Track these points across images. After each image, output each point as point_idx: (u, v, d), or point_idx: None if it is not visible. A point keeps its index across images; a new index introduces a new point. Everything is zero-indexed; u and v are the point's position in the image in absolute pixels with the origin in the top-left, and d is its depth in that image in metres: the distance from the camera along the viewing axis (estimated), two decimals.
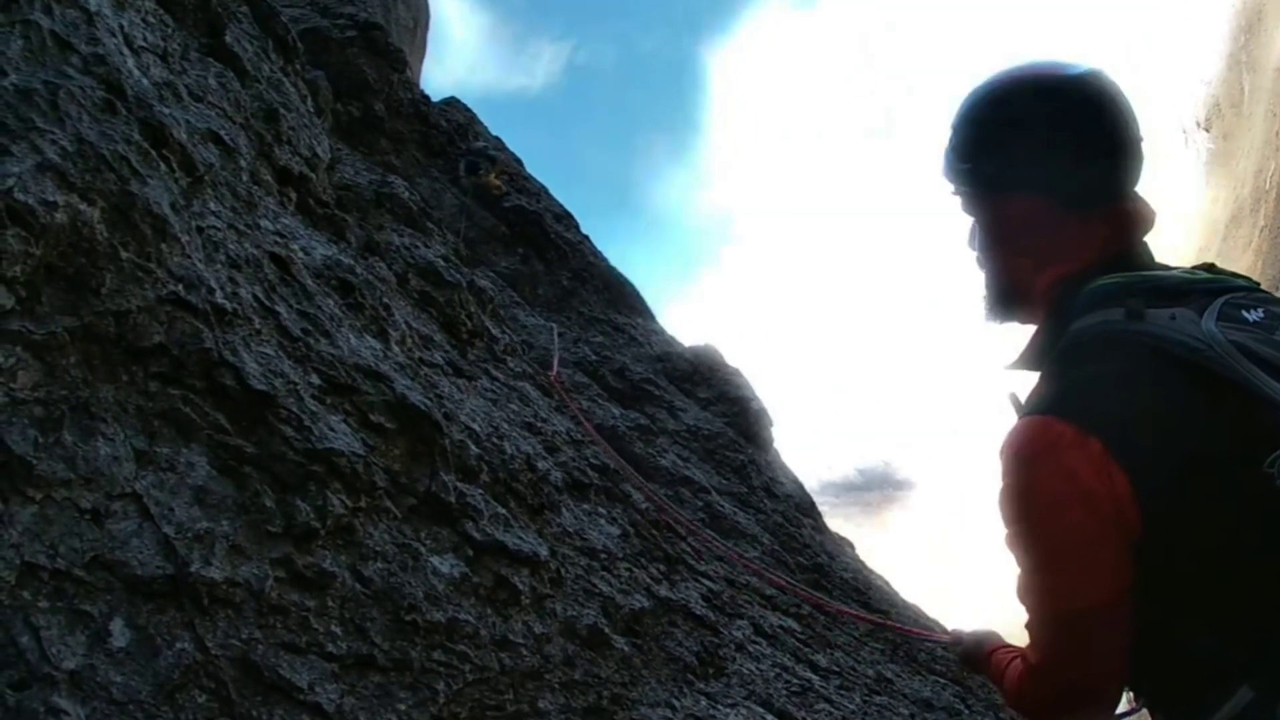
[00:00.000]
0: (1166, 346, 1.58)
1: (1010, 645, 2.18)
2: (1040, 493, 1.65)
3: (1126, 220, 1.88)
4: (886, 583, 9.73)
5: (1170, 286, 1.72)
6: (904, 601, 9.34)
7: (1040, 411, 1.68)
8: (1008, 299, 2.04)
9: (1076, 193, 1.87)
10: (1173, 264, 1.91)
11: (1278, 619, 1.49)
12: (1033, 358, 1.92)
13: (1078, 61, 1.92)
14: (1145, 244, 1.91)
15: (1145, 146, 1.89)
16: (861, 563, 9.81)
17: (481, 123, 14.20)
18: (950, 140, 2.03)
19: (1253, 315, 1.60)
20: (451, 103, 14.06)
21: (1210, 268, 1.84)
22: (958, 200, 2.06)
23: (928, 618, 9.30)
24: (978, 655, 2.28)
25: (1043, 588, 1.72)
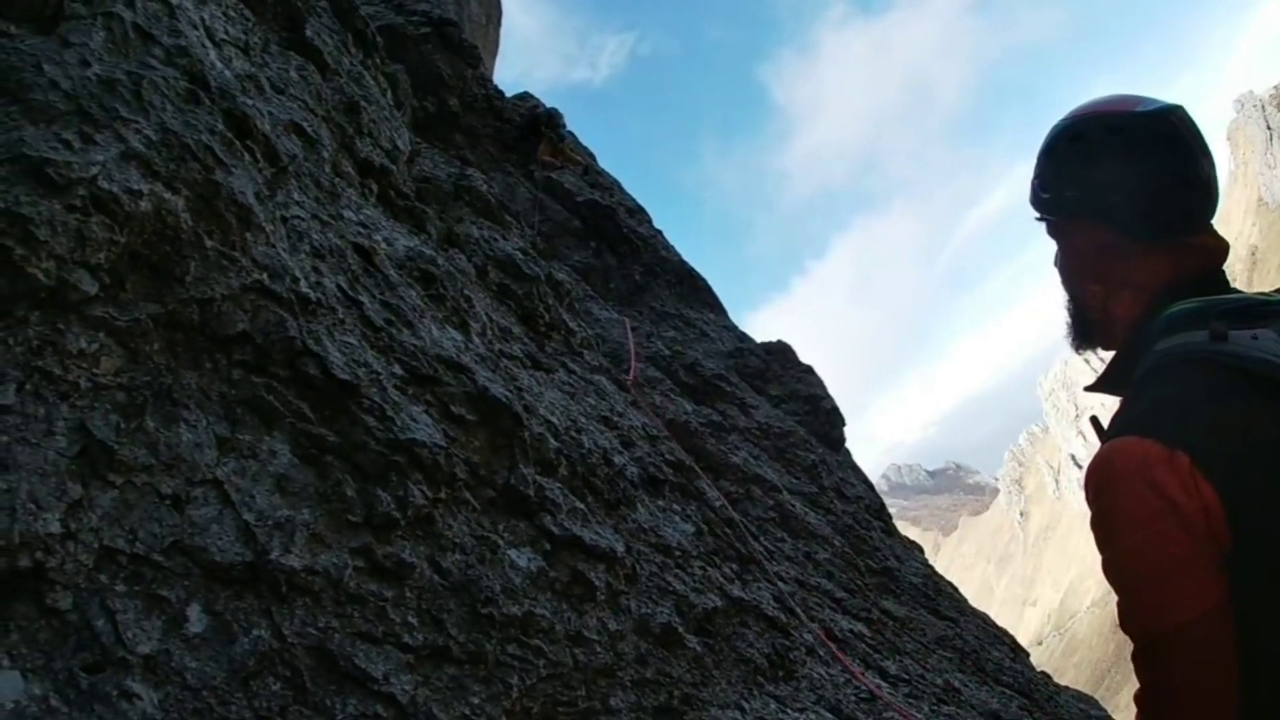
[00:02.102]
0: (1251, 365, 1.59)
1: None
2: (1130, 509, 1.64)
3: (1195, 253, 1.92)
4: (955, 589, 9.57)
5: (1249, 308, 1.74)
6: (972, 610, 9.17)
7: (1126, 433, 1.68)
8: (1086, 324, 2.11)
9: (1143, 225, 1.93)
10: (1244, 290, 1.90)
11: None
12: (1114, 381, 1.97)
13: (1154, 98, 1.96)
14: (1220, 272, 1.94)
15: (1217, 184, 1.93)
16: (931, 568, 9.66)
17: (559, 114, 14.17)
18: (1035, 169, 2.11)
19: None
20: (525, 97, 14.11)
21: None
22: (1043, 226, 2.14)
23: (996, 627, 9.12)
24: None
25: (1140, 606, 1.69)
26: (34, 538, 1.74)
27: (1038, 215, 2.14)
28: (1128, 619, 1.72)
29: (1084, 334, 2.13)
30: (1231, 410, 1.59)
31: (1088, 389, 2.05)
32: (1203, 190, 1.92)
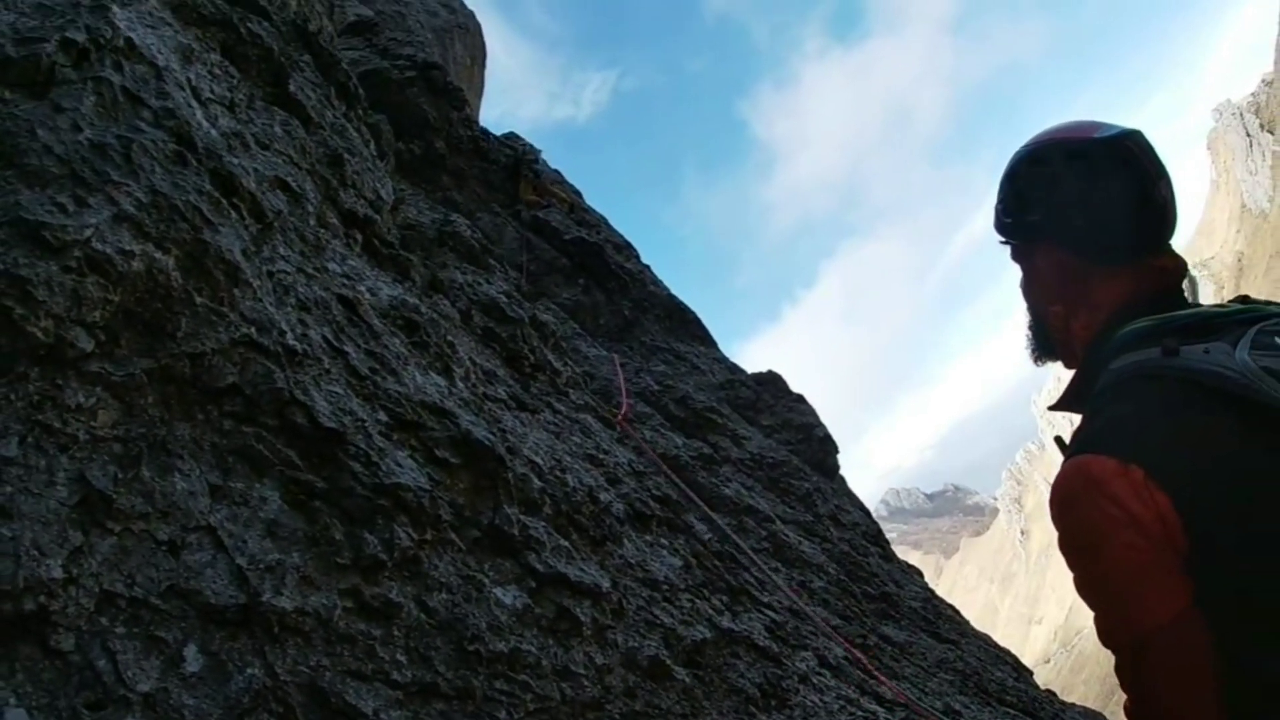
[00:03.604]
0: (1202, 378, 1.65)
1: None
2: (1092, 524, 1.72)
3: (1152, 274, 1.99)
4: (956, 611, 9.63)
5: (1202, 323, 1.80)
6: (974, 631, 9.22)
7: (1082, 451, 1.76)
8: (1047, 342, 2.20)
9: (1101, 248, 2.01)
10: (1205, 304, 1.97)
11: None
12: (1074, 399, 2.05)
13: (1112, 124, 2.03)
14: (1177, 291, 2.01)
15: (1174, 206, 2.00)
16: (931, 591, 9.71)
17: (534, 150, 14.31)
18: (998, 194, 2.19)
19: None
20: (511, 137, 14.28)
21: (1244, 299, 1.92)
22: (1008, 250, 2.21)
23: (998, 647, 9.17)
24: None
25: (1113, 617, 1.76)
26: (38, 583, 1.85)
27: (1002, 239, 2.21)
28: (1105, 632, 1.79)
29: (1045, 351, 2.23)
30: (1183, 423, 1.66)
31: (1051, 408, 2.17)
32: (1159, 213, 1.99)
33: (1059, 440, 1.97)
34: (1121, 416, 1.76)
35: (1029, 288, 2.22)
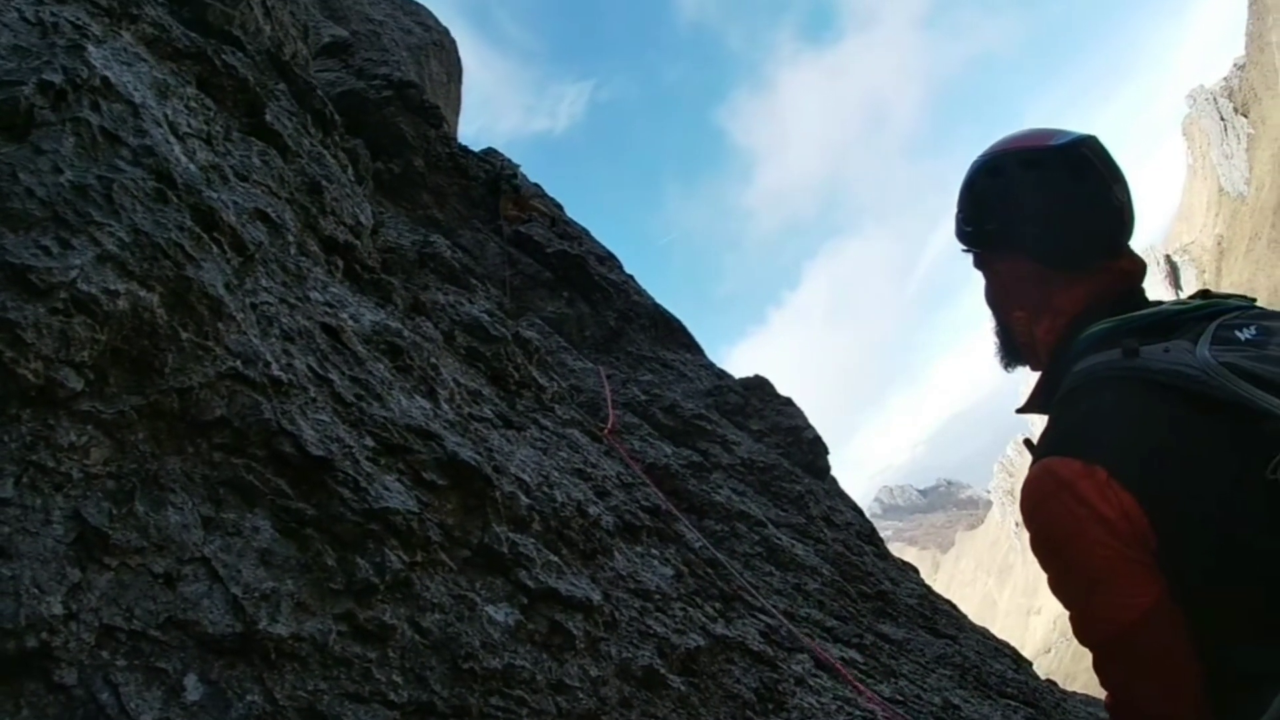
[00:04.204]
0: (1161, 377, 1.70)
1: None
2: (1060, 525, 1.78)
3: (1112, 277, 2.04)
4: (953, 606, 9.69)
5: (1162, 322, 1.85)
6: (972, 625, 9.29)
7: (1048, 454, 1.81)
8: (1012, 348, 2.25)
9: (1060, 254, 2.05)
10: (1170, 297, 2.05)
11: None
12: (1040, 402, 2.09)
13: (1067, 131, 2.07)
14: (1138, 292, 2.05)
15: (1131, 208, 2.04)
16: (927, 587, 9.77)
17: (513, 165, 14.35)
18: (958, 204, 2.24)
19: (1245, 334, 1.71)
20: (490, 153, 14.34)
21: (1205, 294, 1.96)
22: (969, 258, 2.26)
23: (997, 640, 9.24)
24: None
25: (1087, 615, 1.82)
26: (39, 620, 1.89)
27: (964, 248, 2.26)
28: (1080, 630, 1.84)
29: (1012, 356, 2.28)
30: (1143, 423, 1.71)
31: (1018, 411, 2.19)
32: (1116, 216, 2.03)
33: (1027, 442, 2.00)
34: (1084, 418, 1.82)
35: (992, 295, 2.26)
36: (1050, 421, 1.94)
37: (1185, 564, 1.66)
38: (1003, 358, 2.31)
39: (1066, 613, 1.88)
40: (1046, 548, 1.83)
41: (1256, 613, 1.59)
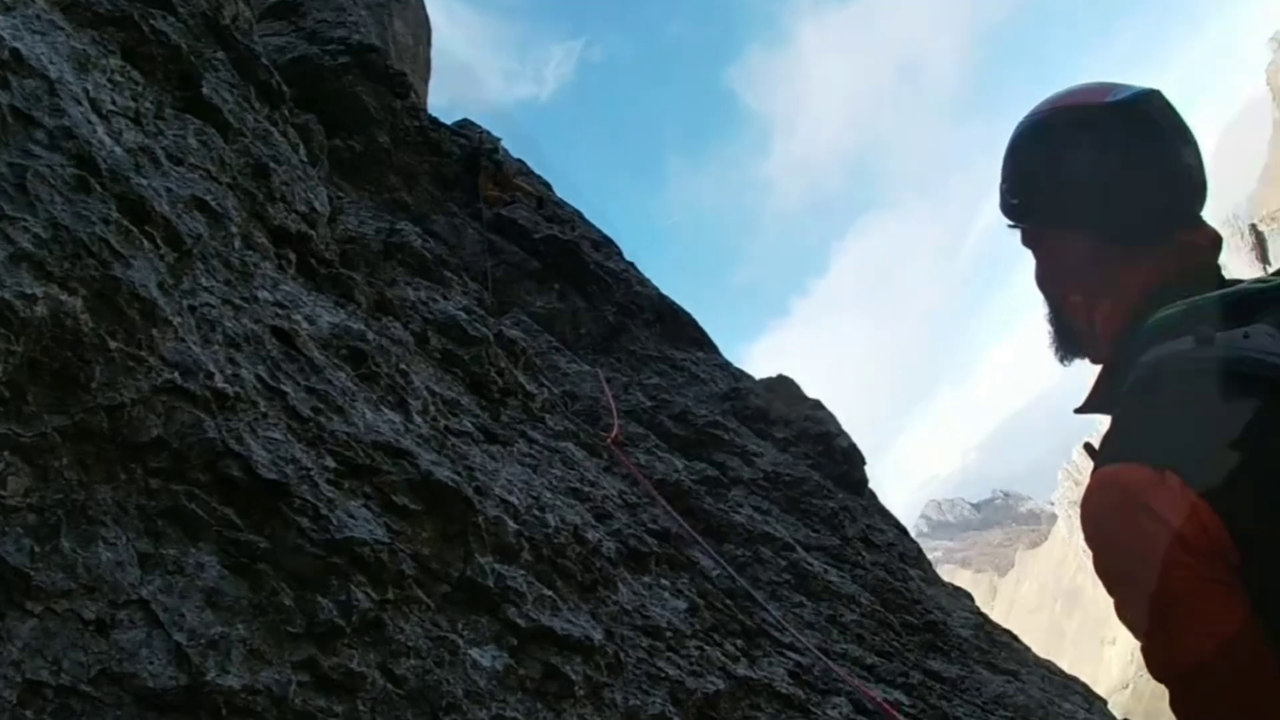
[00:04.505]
0: (1241, 367, 1.67)
1: None
2: (1130, 542, 1.73)
3: (1183, 252, 1.99)
4: (1015, 637, 9.67)
5: (1242, 302, 1.82)
6: (1036, 659, 9.27)
7: (1112, 460, 1.78)
8: (1069, 338, 2.19)
9: (1121, 228, 2.01)
10: (1246, 279, 1.96)
11: None
12: (1102, 400, 2.06)
13: (1126, 85, 2.03)
14: (1214, 269, 2.01)
15: (1203, 172, 1.99)
16: (984, 615, 9.74)
17: (493, 139, 14.26)
18: (1002, 173, 2.18)
19: None
20: (465, 125, 14.31)
21: None
22: (1016, 235, 2.22)
23: (1066, 676, 9.22)
24: None
25: (1164, 647, 1.76)
26: None
27: (1010, 223, 2.20)
28: (1153, 663, 1.78)
29: (1069, 348, 2.20)
30: (1220, 420, 1.66)
31: (1077, 411, 2.14)
32: (1185, 181, 1.98)
33: (1089, 447, 1.96)
34: (1153, 417, 1.78)
35: (1044, 277, 2.21)
36: (1113, 422, 1.90)
37: (1273, 583, 1.62)
38: (1058, 349, 2.24)
39: None
40: (1112, 570, 1.80)
41: None
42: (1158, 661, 1.78)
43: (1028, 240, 2.20)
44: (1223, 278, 2.00)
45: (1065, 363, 2.25)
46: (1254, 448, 1.63)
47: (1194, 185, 2.00)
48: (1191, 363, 1.74)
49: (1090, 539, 1.81)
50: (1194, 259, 1.99)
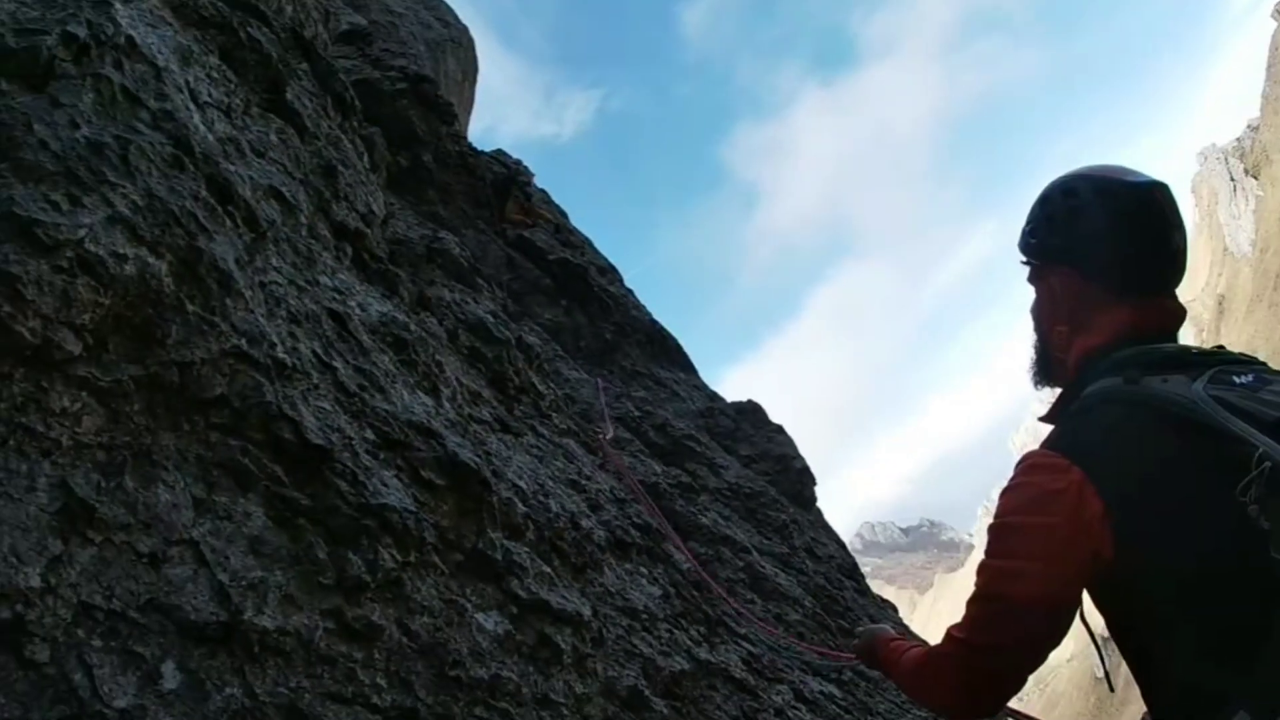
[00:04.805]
0: (1155, 403, 1.85)
1: (902, 637, 2.58)
2: (1023, 494, 1.97)
3: (1155, 312, 2.17)
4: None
5: (1171, 359, 1.99)
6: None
7: (1045, 446, 2.01)
8: (1047, 362, 2.39)
9: (1113, 279, 2.18)
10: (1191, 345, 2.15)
11: (1264, 642, 1.60)
12: (1057, 414, 2.24)
13: (1143, 173, 2.21)
14: (1174, 330, 2.20)
15: (1185, 257, 2.20)
16: (905, 626, 9.71)
17: (528, 172, 14.30)
18: (1029, 216, 2.37)
19: (1241, 379, 1.83)
20: (499, 154, 14.27)
21: (1219, 349, 2.13)
22: (1026, 271, 2.40)
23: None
24: (872, 648, 2.63)
25: (997, 569, 1.99)
26: (15, 591, 1.81)
27: (1024, 259, 2.39)
28: (983, 572, 2.02)
29: (1045, 372, 2.40)
30: (1129, 440, 1.87)
31: (1039, 419, 2.30)
32: (1171, 259, 2.18)
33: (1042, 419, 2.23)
34: (1080, 427, 2.00)
35: (1039, 308, 2.38)
36: (1056, 426, 2.11)
37: (1154, 581, 1.78)
38: (1035, 373, 2.43)
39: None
40: (1002, 501, 2.02)
41: (1222, 633, 1.68)
42: (986, 574, 2.01)
43: (1034, 276, 2.38)
44: (1176, 340, 2.19)
45: (1038, 386, 2.46)
46: (1152, 469, 1.81)
47: (1176, 263, 2.20)
48: (1118, 395, 1.93)
49: (1008, 480, 2.03)
50: (1161, 319, 2.17)
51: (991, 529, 2.02)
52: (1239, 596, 1.65)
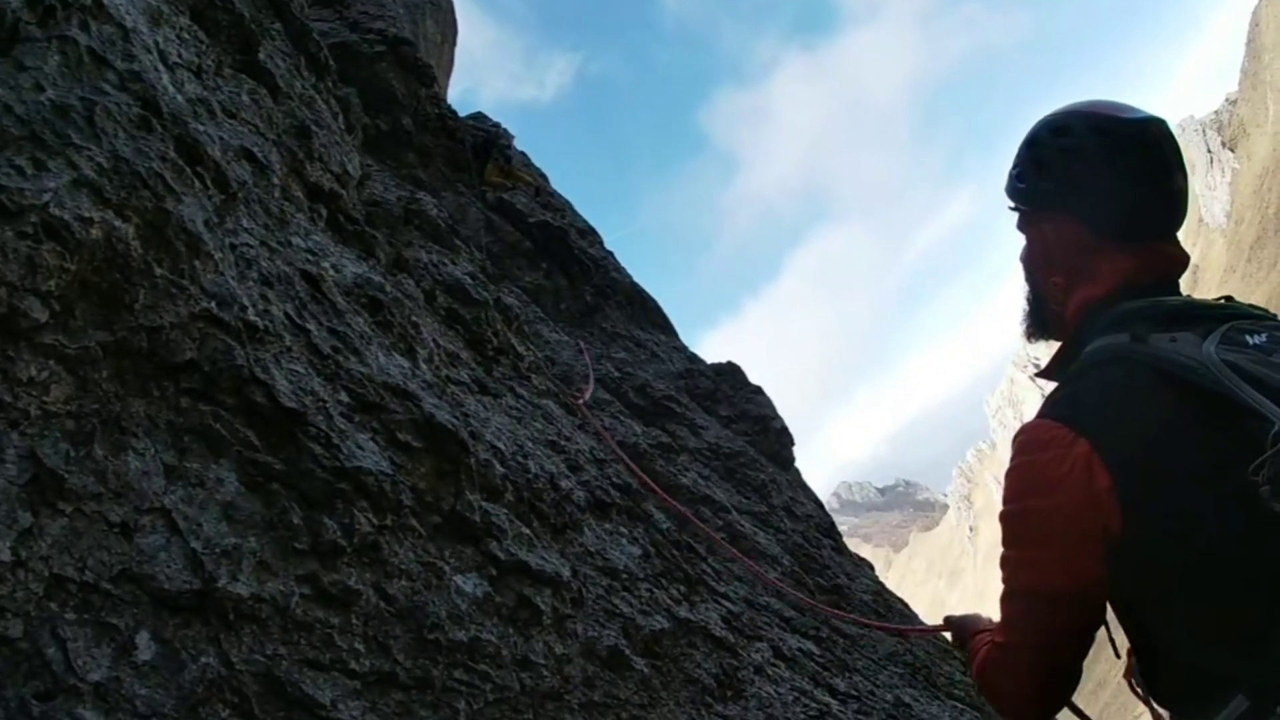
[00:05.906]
0: (1163, 365, 1.73)
1: (990, 628, 2.37)
2: (1029, 476, 1.86)
3: (1157, 258, 2.04)
4: (906, 605, 9.67)
5: (1178, 313, 1.87)
6: (924, 624, 9.26)
7: (1044, 415, 1.87)
8: (1042, 315, 2.24)
9: (1113, 224, 2.03)
10: (1196, 297, 2.02)
11: (1268, 626, 1.54)
12: (1056, 369, 2.13)
13: (1140, 108, 2.06)
14: (1176, 279, 2.06)
15: (1187, 198, 2.06)
16: (881, 584, 9.76)
17: (508, 135, 14.18)
18: (1015, 160, 2.20)
19: (1255, 339, 1.72)
20: (478, 117, 14.12)
21: (1228, 299, 1.99)
22: (1015, 218, 2.24)
23: (947, 641, 9.20)
24: (963, 637, 2.48)
25: (1016, 562, 1.91)
26: None
27: (1012, 205, 2.23)
28: (1006, 566, 1.94)
29: (1039, 325, 2.27)
30: (1137, 407, 1.74)
31: (1037, 375, 2.23)
32: (1173, 200, 2.03)
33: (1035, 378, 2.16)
34: (1082, 391, 1.87)
35: (1032, 257, 2.24)
36: (1056, 388, 1.98)
37: (1159, 558, 1.68)
38: (1029, 327, 2.30)
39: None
40: (1008, 486, 1.91)
41: (1225, 614, 1.61)
42: (1010, 570, 1.93)
43: (1023, 223, 2.23)
44: (1178, 289, 2.06)
45: (1032, 340, 2.33)
46: (1160, 438, 1.69)
47: (1178, 206, 2.05)
48: (1125, 354, 1.81)
49: (1010, 460, 1.93)
50: (1164, 266, 2.04)
51: (1002, 517, 1.92)
52: (1247, 580, 1.56)
